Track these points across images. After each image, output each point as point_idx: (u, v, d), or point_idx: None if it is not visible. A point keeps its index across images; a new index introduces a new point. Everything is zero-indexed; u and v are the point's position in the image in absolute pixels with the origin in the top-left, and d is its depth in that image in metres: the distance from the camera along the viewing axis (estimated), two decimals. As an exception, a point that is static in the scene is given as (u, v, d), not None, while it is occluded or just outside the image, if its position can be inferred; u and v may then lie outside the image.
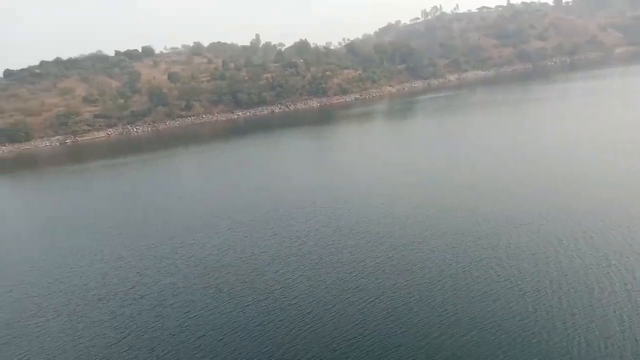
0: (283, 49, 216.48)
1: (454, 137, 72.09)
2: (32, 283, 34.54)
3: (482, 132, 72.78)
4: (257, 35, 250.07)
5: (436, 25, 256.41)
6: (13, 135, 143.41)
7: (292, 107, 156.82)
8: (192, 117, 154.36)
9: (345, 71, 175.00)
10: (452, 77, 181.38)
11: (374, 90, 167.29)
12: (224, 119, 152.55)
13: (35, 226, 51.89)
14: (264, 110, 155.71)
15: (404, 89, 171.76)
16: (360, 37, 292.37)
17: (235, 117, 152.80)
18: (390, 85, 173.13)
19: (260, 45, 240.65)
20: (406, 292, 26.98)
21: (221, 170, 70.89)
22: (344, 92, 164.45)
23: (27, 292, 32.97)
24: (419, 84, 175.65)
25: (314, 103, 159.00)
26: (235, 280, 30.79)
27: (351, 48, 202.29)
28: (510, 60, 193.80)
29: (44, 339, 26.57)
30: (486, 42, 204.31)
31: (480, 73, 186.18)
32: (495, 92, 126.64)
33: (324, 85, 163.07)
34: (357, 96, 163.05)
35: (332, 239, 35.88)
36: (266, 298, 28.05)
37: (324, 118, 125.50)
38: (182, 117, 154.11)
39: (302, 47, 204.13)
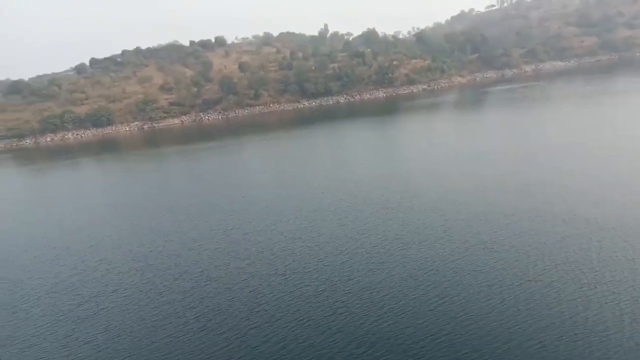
0: (350, 38, 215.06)
1: (531, 130, 68.21)
2: (114, 260, 36.76)
3: (566, 125, 68.28)
4: (326, 25, 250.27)
5: (513, 13, 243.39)
6: (97, 120, 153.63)
7: (357, 98, 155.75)
8: (260, 106, 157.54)
9: (413, 61, 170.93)
10: (528, 68, 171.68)
11: (443, 81, 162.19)
12: (290, 108, 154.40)
13: (116, 207, 55.18)
14: (330, 100, 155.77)
15: (475, 79, 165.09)
16: (430, 25, 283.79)
17: (301, 106, 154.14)
18: (460, 76, 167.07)
19: (328, 35, 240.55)
20: (476, 291, 25.89)
21: (288, 159, 71.77)
22: (411, 82, 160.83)
23: (109, 269, 35.12)
24: (491, 75, 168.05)
25: (380, 93, 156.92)
26: (301, 269, 30.99)
27: (421, 37, 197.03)
28: (593, 51, 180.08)
29: (125, 312, 28.15)
30: (567, 31, 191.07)
31: (560, 64, 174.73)
32: (577, 84, 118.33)
33: (390, 75, 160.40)
34: (425, 87, 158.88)
35: (399, 233, 35.16)
36: (330, 288, 27.98)
37: (390, 109, 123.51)
38: (250, 105, 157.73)
39: (369, 36, 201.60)
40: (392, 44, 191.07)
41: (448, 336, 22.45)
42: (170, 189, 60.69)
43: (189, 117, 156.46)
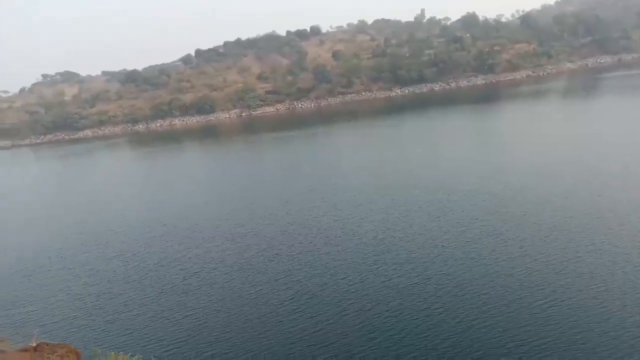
0: (448, 23, 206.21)
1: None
2: (214, 239, 38.75)
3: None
4: (422, 10, 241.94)
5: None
6: (201, 107, 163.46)
7: (453, 85, 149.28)
8: (352, 94, 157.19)
9: (517, 45, 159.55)
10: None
11: (550, 67, 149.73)
12: (382, 96, 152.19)
13: (216, 190, 58.27)
14: (424, 88, 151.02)
15: (586, 65, 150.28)
16: (537, 7, 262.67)
17: (394, 94, 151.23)
18: (570, 61, 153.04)
19: (424, 21, 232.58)
20: (584, 299, 23.51)
21: (379, 147, 70.83)
22: (514, 68, 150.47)
23: (210, 247, 37.13)
24: (606, 60, 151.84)
25: (479, 80, 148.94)
26: (391, 259, 30.33)
27: (526, 20, 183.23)
28: None
29: (223, 289, 29.55)
30: None
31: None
32: None
33: (491, 61, 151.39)
34: (529, 73, 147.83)
35: (499, 229, 33.06)
36: (423, 282, 27.05)
37: (490, 96, 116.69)
38: (342, 94, 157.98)
39: (469, 20, 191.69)
40: (494, 27, 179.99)
41: (557, 341, 20.66)
42: (265, 174, 62.81)
43: (284, 105, 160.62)
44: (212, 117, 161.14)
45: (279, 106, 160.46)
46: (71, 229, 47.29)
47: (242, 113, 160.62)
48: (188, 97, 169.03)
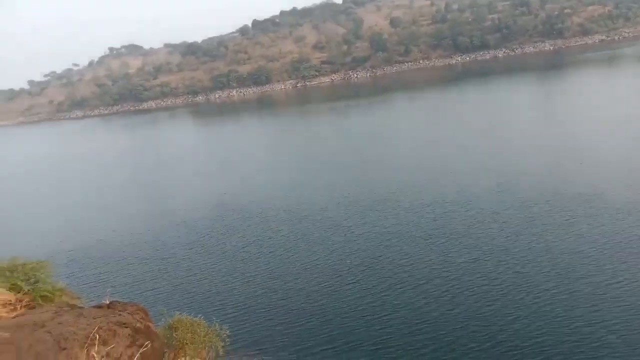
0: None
1: None
2: (268, 208, 39.43)
3: None
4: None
5: None
6: (257, 78, 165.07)
7: (518, 51, 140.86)
8: (410, 63, 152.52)
9: (590, 8, 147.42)
10: None
11: (626, 30, 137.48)
12: (441, 64, 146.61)
13: (273, 160, 59.12)
14: (486, 55, 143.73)
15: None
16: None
17: (453, 62, 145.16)
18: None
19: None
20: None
21: (437, 120, 68.69)
22: (586, 32, 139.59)
23: (266, 217, 37.85)
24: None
25: (546, 46, 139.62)
26: (456, 256, 29.50)
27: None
28: None
29: (282, 257, 30.15)
30: None
31: None
32: None
33: (560, 25, 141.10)
34: (603, 37, 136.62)
35: (581, 228, 30.73)
36: (502, 285, 25.97)
37: (559, 63, 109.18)
38: (399, 62, 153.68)
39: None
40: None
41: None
42: (319, 145, 62.85)
43: (338, 75, 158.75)
44: (267, 88, 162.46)
45: (334, 76, 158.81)
46: (139, 197, 49.89)
47: (297, 84, 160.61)
48: (245, 69, 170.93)
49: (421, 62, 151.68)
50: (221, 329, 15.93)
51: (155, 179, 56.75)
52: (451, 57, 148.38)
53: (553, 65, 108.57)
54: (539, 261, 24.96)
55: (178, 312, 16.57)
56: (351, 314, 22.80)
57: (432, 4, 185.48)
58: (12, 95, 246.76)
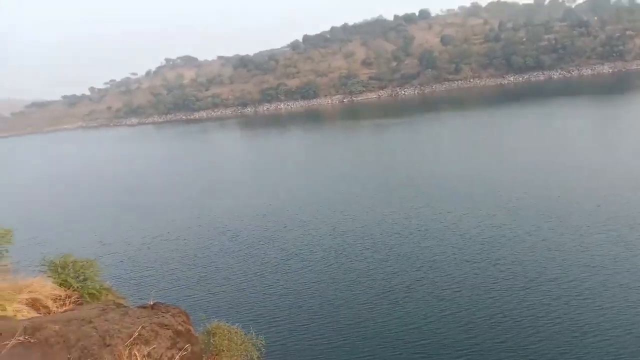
0: (573, 5, 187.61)
1: None
2: (311, 222, 39.53)
3: None
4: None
5: None
6: (305, 92, 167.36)
7: (574, 73, 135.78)
8: (460, 81, 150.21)
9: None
10: None
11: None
12: (492, 84, 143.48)
13: (317, 173, 59.40)
14: (540, 76, 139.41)
15: None
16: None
17: (505, 82, 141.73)
18: None
19: (546, 3, 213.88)
20: None
21: (487, 139, 67.02)
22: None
23: (308, 230, 37.92)
24: None
25: (605, 69, 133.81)
26: (509, 262, 28.46)
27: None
28: None
29: (321, 273, 30.06)
30: None
31: None
32: None
33: (621, 47, 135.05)
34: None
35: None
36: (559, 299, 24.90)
37: (620, 86, 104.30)
38: (449, 80, 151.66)
39: (598, 3, 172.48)
40: (628, 10, 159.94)
41: None
42: (364, 160, 62.61)
43: (386, 91, 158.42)
44: (314, 102, 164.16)
45: (381, 92, 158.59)
46: (187, 203, 51.31)
47: (344, 99, 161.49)
48: (294, 82, 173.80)
49: (472, 80, 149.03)
50: (257, 339, 15.99)
51: (203, 187, 58.25)
52: (503, 77, 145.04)
53: (613, 88, 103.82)
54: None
55: (216, 319, 16.79)
56: (392, 333, 22.33)
57: (485, 23, 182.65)
58: (74, 100, 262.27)
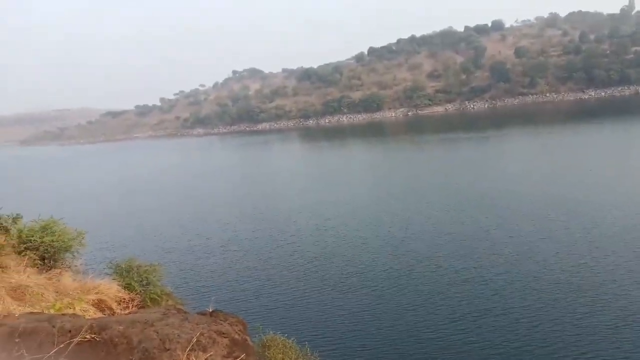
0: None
1: None
2: (372, 238, 39.15)
3: None
4: (631, 1, 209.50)
5: None
6: (368, 105, 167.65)
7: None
8: (534, 96, 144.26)
9: None
10: None
11: None
12: (570, 99, 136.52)
13: (379, 189, 58.94)
14: (625, 91, 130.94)
15: None
16: None
17: (586, 97, 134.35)
18: None
19: (634, 13, 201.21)
20: None
21: (566, 159, 63.52)
22: None
23: (368, 247, 37.61)
24: None
25: None
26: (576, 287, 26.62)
27: None
28: None
29: (382, 295, 29.61)
30: None
31: None
32: None
33: None
34: None
35: None
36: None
37: None
38: (522, 94, 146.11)
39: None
40: None
41: None
42: (429, 177, 61.36)
43: (453, 105, 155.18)
44: (377, 115, 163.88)
45: (449, 106, 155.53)
46: (249, 215, 52.66)
47: (408, 112, 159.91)
48: (357, 95, 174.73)
49: (548, 95, 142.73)
50: (312, 355, 15.96)
51: (265, 199, 59.50)
52: (583, 92, 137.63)
53: None
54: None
55: (272, 331, 16.95)
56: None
57: (564, 34, 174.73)
58: (145, 110, 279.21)
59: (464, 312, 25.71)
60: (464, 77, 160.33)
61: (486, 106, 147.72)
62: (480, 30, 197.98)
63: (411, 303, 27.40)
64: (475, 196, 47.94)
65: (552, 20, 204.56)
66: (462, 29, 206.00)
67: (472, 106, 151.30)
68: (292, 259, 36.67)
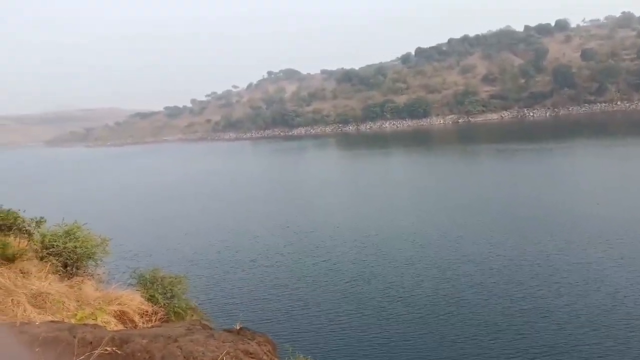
0: None
1: None
2: (415, 257, 38.63)
3: None
4: None
5: None
6: (413, 111, 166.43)
7: None
8: (603, 104, 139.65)
9: None
10: None
11: None
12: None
13: (426, 205, 58.23)
14: None
15: None
16: None
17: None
18: None
19: None
20: None
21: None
22: None
23: (411, 265, 37.13)
24: None
25: None
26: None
27: None
28: None
29: (431, 321, 29.11)
30: None
31: None
32: None
33: None
34: None
35: None
36: None
37: None
38: (589, 102, 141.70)
39: None
40: None
41: None
42: (481, 194, 60.14)
43: (510, 112, 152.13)
44: (424, 122, 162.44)
45: (505, 113, 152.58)
46: (281, 224, 53.06)
47: (458, 119, 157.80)
48: (401, 99, 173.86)
49: (618, 103, 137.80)
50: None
51: (300, 211, 59.74)
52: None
53: None
54: None
55: (302, 355, 16.88)
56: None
57: (639, 35, 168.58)
58: (175, 112, 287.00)
59: (521, 347, 24.85)
60: (522, 81, 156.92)
61: (547, 114, 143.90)
62: (542, 30, 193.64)
63: (459, 335, 26.69)
64: (537, 215, 46.58)
65: (625, 20, 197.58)
66: (521, 29, 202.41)
67: (531, 114, 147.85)
68: (328, 278, 36.55)
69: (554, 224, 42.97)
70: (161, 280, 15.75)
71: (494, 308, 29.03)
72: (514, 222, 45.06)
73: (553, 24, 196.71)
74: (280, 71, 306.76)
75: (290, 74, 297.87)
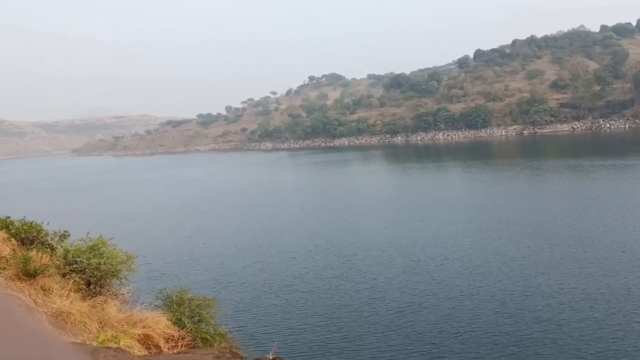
0: None
1: None
2: (459, 288, 37.85)
3: None
4: None
5: None
6: (471, 120, 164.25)
7: None
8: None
9: None
10: None
11: None
12: None
13: (486, 226, 57.11)
14: None
15: None
16: None
17: None
18: None
19: None
20: None
21: None
22: None
23: (454, 292, 36.38)
24: None
25: None
26: None
27: None
28: None
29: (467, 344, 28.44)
30: None
31: None
32: None
33: None
34: None
35: None
36: None
37: None
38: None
39: None
40: None
41: None
42: (548, 216, 58.53)
43: (583, 123, 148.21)
44: (483, 133, 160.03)
45: (577, 124, 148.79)
46: (322, 245, 53.08)
47: (523, 130, 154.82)
48: (457, 108, 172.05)
49: None
50: None
51: (342, 229, 59.73)
52: None
53: None
54: None
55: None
56: None
57: None
58: (209, 120, 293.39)
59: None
60: (598, 88, 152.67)
61: (627, 126, 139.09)
62: (622, 30, 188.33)
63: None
64: (615, 240, 44.84)
65: None
66: (596, 29, 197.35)
67: (607, 125, 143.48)
68: (371, 308, 36.18)
69: (638, 252, 41.23)
70: (189, 303, 15.92)
71: (564, 350, 28.03)
72: (586, 250, 43.48)
73: (634, 23, 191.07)
74: (323, 76, 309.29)
75: (334, 79, 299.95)
